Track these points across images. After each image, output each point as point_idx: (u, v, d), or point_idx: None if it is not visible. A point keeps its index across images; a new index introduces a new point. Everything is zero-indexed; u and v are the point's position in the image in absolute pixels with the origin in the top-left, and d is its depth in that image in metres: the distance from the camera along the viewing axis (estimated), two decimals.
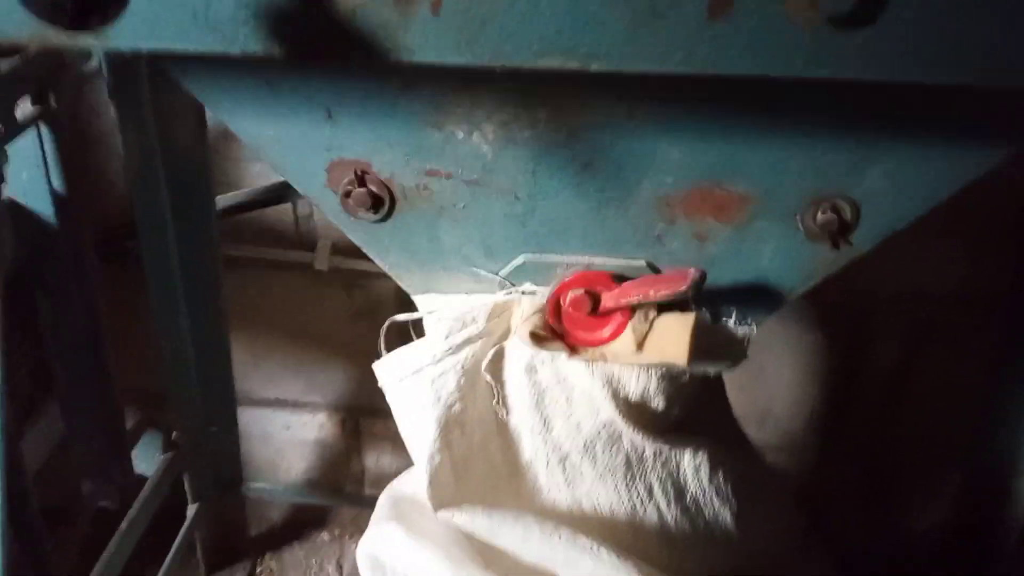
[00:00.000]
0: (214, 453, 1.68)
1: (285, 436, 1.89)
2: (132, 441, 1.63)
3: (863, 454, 1.69)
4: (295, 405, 1.85)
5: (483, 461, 0.87)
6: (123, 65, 1.11)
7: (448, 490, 0.86)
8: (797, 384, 1.65)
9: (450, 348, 0.82)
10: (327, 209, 0.81)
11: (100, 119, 1.41)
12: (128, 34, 0.61)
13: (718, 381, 0.97)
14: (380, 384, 0.85)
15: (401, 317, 0.84)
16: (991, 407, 1.40)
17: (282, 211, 1.53)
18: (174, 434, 1.62)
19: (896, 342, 1.58)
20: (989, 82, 0.56)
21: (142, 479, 1.55)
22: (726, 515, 0.94)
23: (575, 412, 0.86)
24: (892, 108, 0.69)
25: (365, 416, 1.85)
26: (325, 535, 1.87)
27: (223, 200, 1.33)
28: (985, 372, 1.41)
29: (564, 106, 0.73)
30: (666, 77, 0.59)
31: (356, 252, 0.84)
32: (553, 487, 0.89)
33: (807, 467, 1.73)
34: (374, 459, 1.90)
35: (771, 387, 1.66)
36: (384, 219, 0.81)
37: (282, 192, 1.39)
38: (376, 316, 1.66)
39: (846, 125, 0.70)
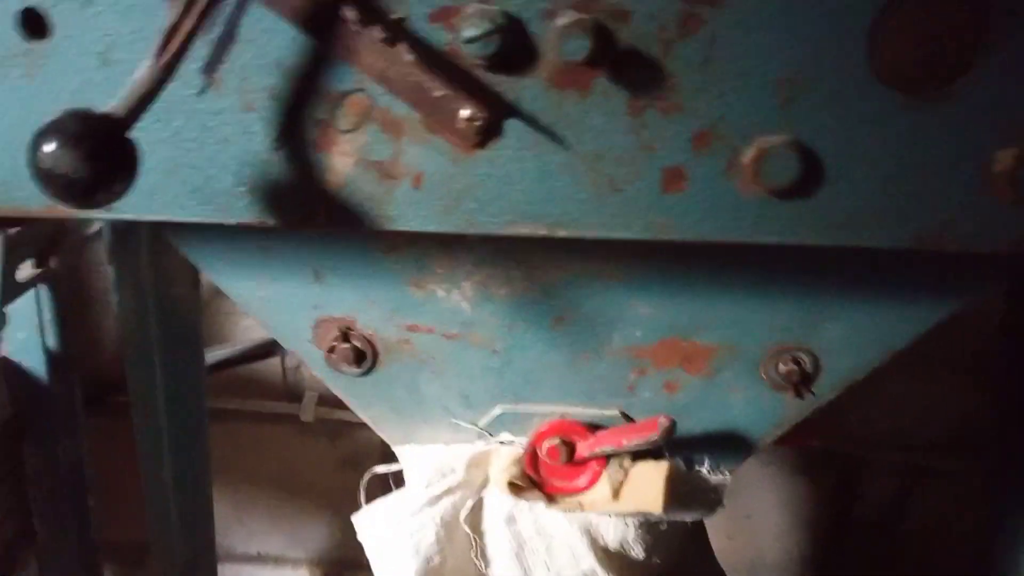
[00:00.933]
0: None
1: None
2: None
3: None
4: (277, 561, 1.81)
5: None
6: (123, 229, 1.17)
7: None
8: (786, 531, 1.64)
9: (429, 500, 0.83)
10: (312, 364, 0.84)
11: (97, 277, 1.47)
12: (132, 207, 0.67)
13: (699, 529, 0.97)
14: (359, 537, 0.86)
15: (381, 468, 0.86)
16: (985, 548, 1.39)
17: (270, 363, 1.56)
18: None
19: (885, 487, 1.58)
20: (923, 246, 0.61)
21: None
22: None
23: (555, 562, 0.87)
24: (843, 266, 0.74)
25: (349, 570, 1.80)
26: None
27: (212, 356, 1.36)
28: (975, 514, 1.41)
29: (537, 266, 0.78)
30: (627, 242, 0.65)
31: (342, 403, 0.87)
32: None
33: None
34: None
35: (759, 535, 1.64)
36: (367, 373, 0.84)
37: (270, 347, 1.42)
38: (361, 466, 1.65)
39: (801, 282, 0.75)
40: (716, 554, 1.03)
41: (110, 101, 0.57)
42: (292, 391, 1.58)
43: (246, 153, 0.65)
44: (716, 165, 0.61)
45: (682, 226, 0.63)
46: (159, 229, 0.81)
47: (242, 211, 0.67)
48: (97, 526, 1.43)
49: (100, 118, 0.56)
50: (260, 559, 1.81)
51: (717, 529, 0.98)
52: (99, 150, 0.55)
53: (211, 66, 0.62)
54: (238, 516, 1.77)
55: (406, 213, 0.66)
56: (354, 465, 1.66)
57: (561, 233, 0.65)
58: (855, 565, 1.64)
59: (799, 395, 0.80)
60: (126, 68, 0.62)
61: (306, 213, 0.66)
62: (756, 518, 1.64)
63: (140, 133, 0.64)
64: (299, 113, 0.63)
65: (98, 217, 0.69)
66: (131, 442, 1.38)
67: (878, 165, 0.60)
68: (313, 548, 1.78)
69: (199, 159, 0.66)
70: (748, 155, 0.60)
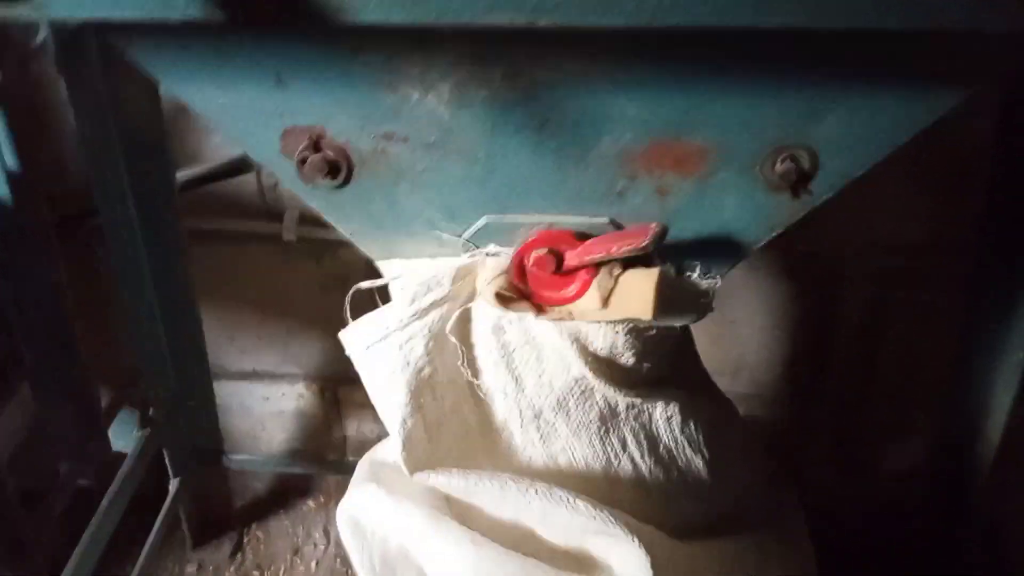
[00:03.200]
0: (192, 427, 1.67)
1: (264, 408, 1.89)
2: (107, 419, 1.62)
3: (836, 402, 1.72)
4: (272, 377, 1.85)
5: (456, 423, 0.88)
6: (70, 38, 1.08)
7: (422, 453, 0.86)
8: (769, 335, 1.67)
9: (416, 312, 0.81)
10: (284, 177, 0.80)
11: (51, 96, 1.38)
12: (63, 4, 0.60)
13: (687, 334, 0.97)
14: (347, 353, 0.85)
15: (365, 284, 0.84)
16: (961, 351, 1.42)
17: (247, 182, 1.51)
18: (150, 410, 1.61)
19: (867, 291, 1.59)
20: (940, 26, 0.56)
21: (120, 456, 1.55)
22: (698, 463, 0.95)
23: (546, 369, 0.87)
24: (845, 56, 0.68)
25: (344, 385, 1.84)
26: (310, 503, 1.88)
27: (183, 174, 1.31)
28: (955, 318, 1.43)
29: (519, 64, 0.72)
30: (619, 32, 0.59)
31: (324, 221, 0.84)
32: (528, 445, 0.90)
33: (780, 416, 1.76)
34: (355, 427, 1.91)
35: (743, 339, 1.67)
36: (342, 185, 0.80)
37: (244, 163, 1.37)
38: (347, 284, 1.64)
39: (800, 74, 0.70)
40: (701, 356, 1.04)
41: None
42: (272, 209, 1.54)
43: None
44: None
45: (677, 9, 0.57)
46: (107, 34, 0.74)
47: (186, 5, 0.60)
48: (87, 350, 1.44)
49: None
50: (256, 375, 1.85)
51: (702, 333, 0.99)
52: None
53: None
54: (230, 335, 1.78)
55: (368, 3, 0.59)
56: (341, 284, 1.64)
57: (543, 21, 0.59)
58: (836, 367, 1.68)
59: (796, 195, 0.76)
60: None
61: (257, 8, 0.60)
62: (740, 322, 1.66)
63: None
64: None
65: (27, 16, 0.61)
66: (109, 267, 1.36)
67: None
68: (306, 364, 1.81)
69: None
70: None
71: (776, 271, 1.60)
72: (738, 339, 1.68)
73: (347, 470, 1.08)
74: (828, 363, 1.68)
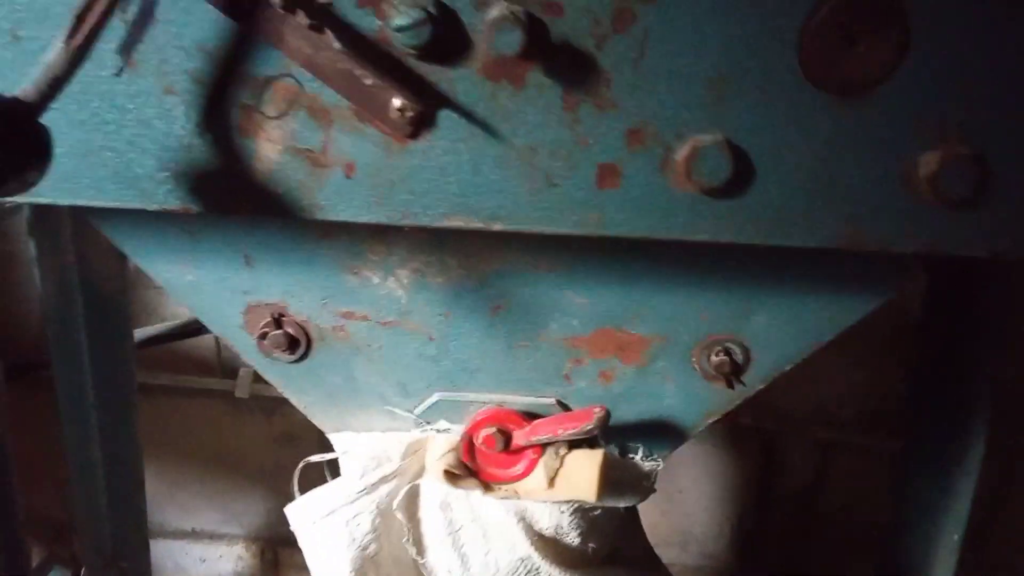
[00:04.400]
0: None
1: (200, 569, 1.82)
2: None
3: (781, 570, 1.71)
4: (211, 536, 1.79)
5: None
6: (44, 207, 1.12)
7: None
8: (715, 505, 1.68)
9: (365, 488, 0.82)
10: (243, 350, 0.82)
11: (18, 249, 1.41)
12: (48, 191, 0.64)
13: (632, 510, 0.99)
14: (292, 527, 0.85)
15: (316, 458, 0.85)
16: (897, 522, 1.44)
17: (203, 339, 1.52)
18: (82, 571, 1.54)
19: (807, 459, 1.63)
20: (847, 247, 0.62)
21: None
22: None
23: (492, 548, 0.87)
24: (773, 261, 0.75)
25: (284, 546, 1.79)
26: None
27: (141, 333, 1.32)
28: (890, 485, 1.46)
29: (474, 255, 0.77)
30: (562, 236, 0.64)
31: None
32: None
33: None
34: None
35: (690, 509, 1.68)
36: (300, 359, 0.83)
37: (201, 324, 1.39)
38: (297, 443, 1.65)
39: (732, 276, 0.76)
40: (650, 527, 1.05)
41: (20, 83, 0.54)
42: (226, 367, 1.55)
43: (167, 137, 0.62)
44: (650, 162, 0.61)
45: (616, 222, 0.63)
46: (81, 211, 0.78)
47: (164, 197, 0.64)
48: (22, 503, 1.39)
49: (10, 102, 0.53)
50: (194, 535, 1.79)
51: (651, 503, 1.00)
52: (9, 136, 0.53)
53: (127, 47, 0.59)
54: (171, 492, 1.74)
55: (337, 203, 0.64)
56: (290, 442, 1.64)
57: (496, 227, 0.64)
58: (778, 535, 1.69)
59: (730, 385, 0.81)
60: (37, 46, 0.59)
61: (232, 200, 0.64)
62: (687, 492, 1.68)
63: (55, 115, 0.61)
64: (222, 97, 0.61)
65: (14, 201, 0.65)
66: (56, 417, 1.34)
67: (806, 166, 0.60)
68: (248, 524, 1.76)
69: (118, 142, 0.63)
70: (681, 153, 0.60)
71: (719, 441, 1.64)
72: (685, 509, 1.69)
73: None
74: (771, 533, 1.69)
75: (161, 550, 1.79)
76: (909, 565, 1.38)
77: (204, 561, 1.81)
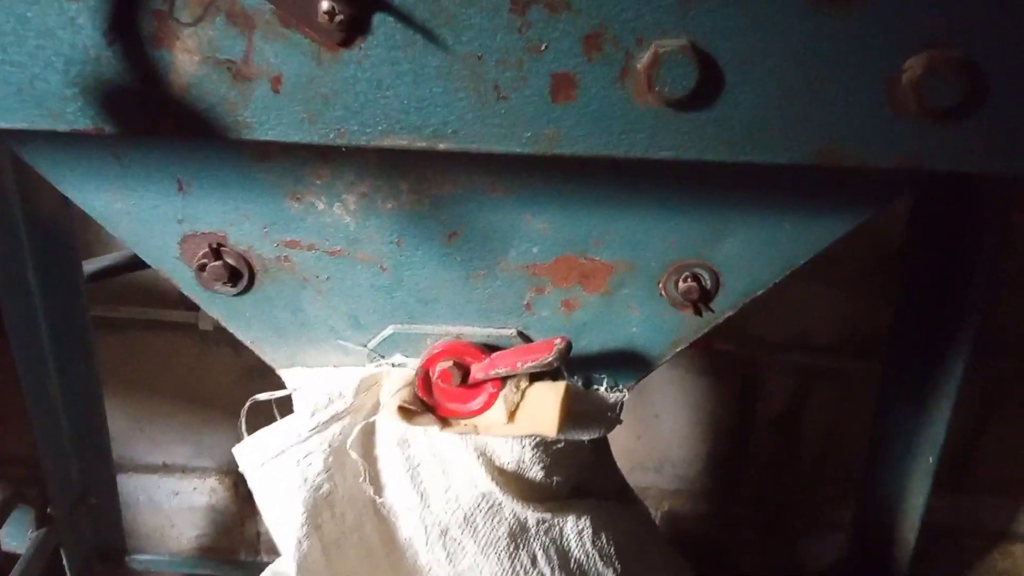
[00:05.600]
0: (94, 526, 1.58)
1: (174, 503, 1.80)
2: (2, 517, 1.52)
3: (758, 496, 1.72)
4: (183, 470, 1.77)
5: (358, 543, 0.84)
6: None
7: (319, 575, 0.82)
8: (692, 430, 1.67)
9: (316, 426, 0.79)
10: (182, 283, 0.78)
11: None
12: None
13: (601, 442, 0.96)
14: (240, 469, 0.81)
15: (263, 396, 0.81)
16: (875, 452, 1.44)
17: None
18: (48, 508, 1.52)
19: (786, 386, 1.62)
20: (823, 162, 0.57)
21: (13, 557, 1.45)
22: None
23: (453, 485, 0.84)
24: (744, 180, 0.70)
25: None
26: None
27: (92, 264, 1.26)
28: (870, 412, 1.45)
29: (426, 178, 0.72)
30: (513, 156, 0.59)
31: None
32: (434, 564, 0.86)
33: (705, 511, 1.75)
34: None
35: (667, 434, 1.67)
36: (243, 292, 0.78)
37: None
38: (267, 374, 1.61)
39: (701, 197, 0.71)
40: (625, 452, 1.03)
41: None
42: (188, 297, 1.50)
43: (73, 49, 0.56)
44: (608, 71, 0.55)
45: (572, 139, 0.58)
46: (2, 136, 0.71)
47: (74, 116, 0.58)
48: None
49: None
50: (166, 469, 1.77)
51: (626, 428, 0.98)
52: None
53: None
54: (140, 427, 1.71)
55: (265, 120, 0.59)
56: (260, 374, 1.60)
57: (441, 146, 0.59)
58: (757, 460, 1.69)
59: (698, 312, 0.77)
60: None
61: (149, 119, 0.58)
62: (663, 418, 1.66)
63: None
64: (131, 2, 0.54)
65: None
66: (11, 357, 1.30)
67: (780, 74, 0.55)
68: (220, 457, 1.74)
69: (19, 55, 0.57)
70: (643, 60, 0.54)
71: (697, 367, 1.62)
72: (662, 434, 1.68)
73: (260, 570, 1.01)
74: (749, 457, 1.69)
75: (133, 485, 1.77)
76: (887, 487, 1.38)
77: (177, 494, 1.80)
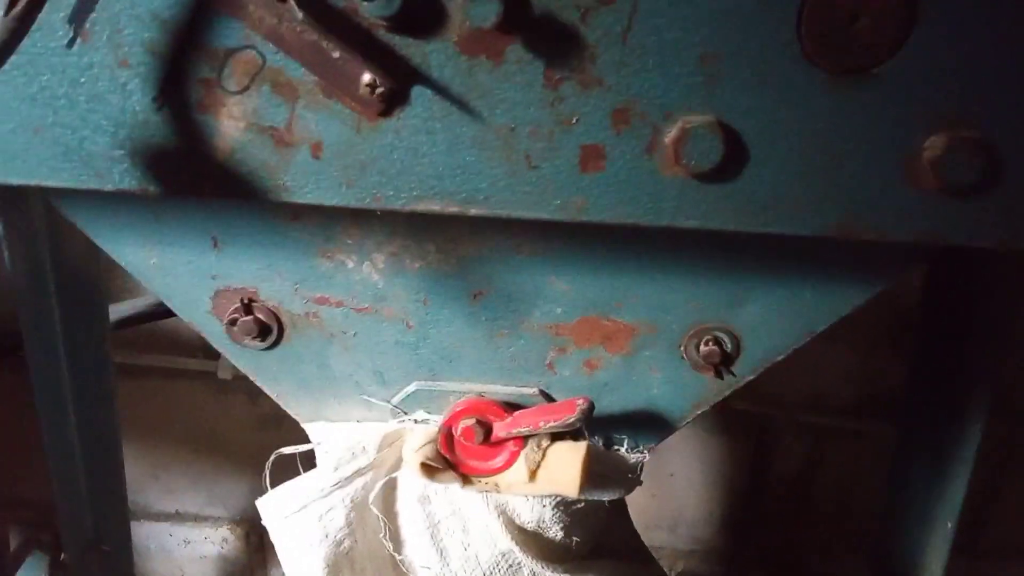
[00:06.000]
0: (106, 573, 1.57)
1: (185, 551, 1.80)
2: (15, 563, 1.52)
3: (771, 558, 1.70)
4: (196, 518, 1.77)
5: None
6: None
7: None
8: (706, 489, 1.66)
9: (339, 481, 0.79)
10: (212, 336, 0.79)
11: None
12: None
13: (619, 502, 0.96)
14: (264, 523, 0.82)
15: (288, 449, 0.82)
16: (890, 509, 1.42)
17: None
18: (62, 555, 1.52)
19: (800, 445, 1.61)
20: (843, 235, 0.59)
21: None
22: None
23: (472, 543, 0.84)
24: (765, 247, 0.71)
25: None
26: None
27: (116, 311, 1.29)
28: (884, 473, 1.44)
29: (453, 239, 0.73)
30: (542, 222, 0.61)
31: None
32: None
33: (718, 572, 1.72)
34: (279, 574, 1.81)
35: (681, 493, 1.66)
36: (272, 347, 0.79)
37: None
38: (282, 424, 1.62)
39: (723, 263, 0.72)
40: (639, 511, 1.02)
41: None
42: (208, 347, 1.51)
43: (122, 113, 0.58)
44: (637, 144, 0.57)
45: (600, 207, 0.59)
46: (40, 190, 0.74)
47: (121, 176, 0.60)
48: (1, 485, 1.36)
49: None
50: (179, 517, 1.77)
51: (641, 488, 0.98)
52: None
53: (78, 16, 0.55)
54: (155, 474, 1.71)
55: (304, 184, 0.61)
56: (275, 424, 1.61)
57: (473, 211, 0.61)
58: (770, 521, 1.68)
59: (719, 376, 0.78)
60: None
61: (192, 181, 0.61)
62: (678, 477, 1.66)
63: (1, 88, 0.57)
64: (180, 70, 0.57)
65: None
66: (32, 398, 1.31)
67: (802, 149, 0.57)
68: (233, 506, 1.74)
69: (70, 118, 0.59)
70: (670, 135, 0.56)
71: (713, 426, 1.61)
72: (676, 493, 1.67)
73: None
74: (762, 518, 1.67)
75: (145, 532, 1.76)
76: (903, 552, 1.36)
77: (188, 543, 1.79)
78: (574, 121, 0.57)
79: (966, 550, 1.58)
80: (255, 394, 1.61)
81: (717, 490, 1.65)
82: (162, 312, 1.35)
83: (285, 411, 1.60)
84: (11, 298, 1.41)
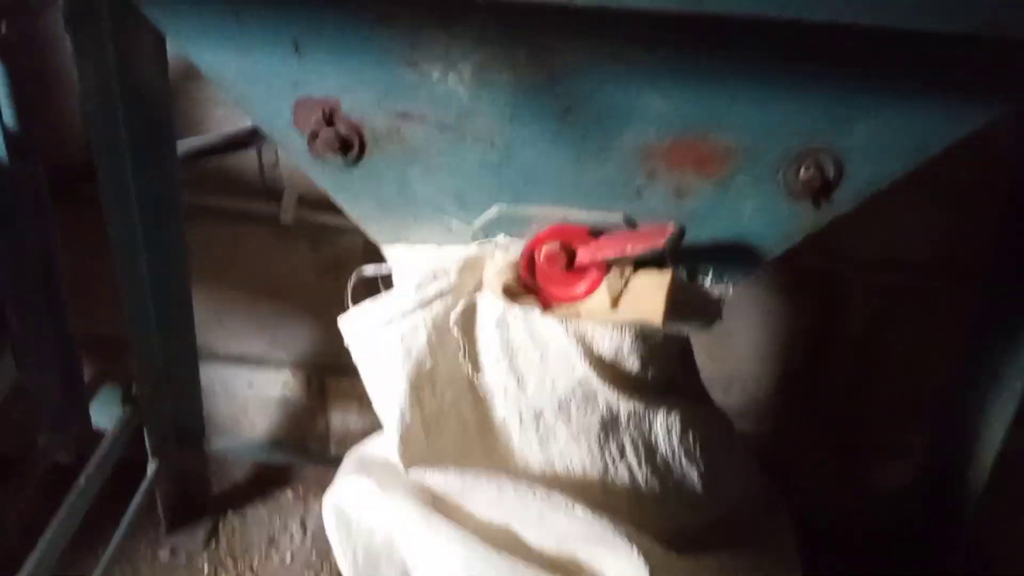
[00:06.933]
0: (175, 408, 1.64)
1: (249, 393, 1.85)
2: (90, 394, 1.58)
3: (830, 419, 1.70)
4: (259, 362, 1.81)
5: (454, 420, 0.85)
6: None
7: (419, 448, 0.83)
8: (765, 349, 1.65)
9: (420, 302, 0.79)
10: (292, 150, 0.77)
11: (56, 54, 1.34)
12: None
13: (687, 343, 0.95)
14: (346, 339, 0.82)
15: (369, 269, 0.81)
16: (960, 374, 1.41)
17: (247, 159, 1.47)
18: (134, 387, 1.58)
19: (869, 308, 1.57)
20: (996, 32, 0.54)
21: (100, 433, 1.51)
22: (693, 475, 0.93)
23: (549, 369, 0.84)
24: (881, 61, 0.66)
25: (331, 374, 1.81)
26: (289, 494, 1.84)
27: (184, 144, 1.27)
28: (958, 339, 1.41)
29: (545, 46, 0.69)
30: (654, 18, 0.56)
31: (323, 205, 0.81)
32: (525, 447, 0.87)
33: (774, 431, 1.74)
34: (340, 418, 1.87)
35: (739, 352, 1.65)
36: (353, 164, 0.77)
37: (246, 138, 1.34)
38: (343, 271, 1.61)
39: (831, 79, 0.68)
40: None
41: None
42: (270, 190, 1.51)
43: None
44: None
45: None
46: None
47: None
48: (74, 319, 1.40)
49: None
50: (242, 359, 1.81)
51: (698, 345, 0.96)
52: None
53: None
54: (218, 317, 1.74)
55: None
56: (336, 270, 1.62)
57: (582, 1, 0.56)
58: (832, 383, 1.67)
59: (817, 204, 0.74)
60: None
61: None
62: (736, 335, 1.64)
63: None
64: None
65: None
66: (106, 234, 1.33)
67: None
68: (295, 351, 1.78)
69: None
70: None
71: (777, 284, 1.58)
72: (734, 353, 1.66)
73: (328, 462, 1.04)
74: (824, 380, 1.66)
75: (209, 373, 1.81)
76: (967, 414, 1.35)
77: (252, 386, 1.84)
78: None
79: None
80: (317, 240, 1.61)
81: (777, 349, 1.64)
82: (228, 145, 1.34)
83: (345, 258, 1.60)
84: (71, 132, 1.41)
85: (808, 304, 1.58)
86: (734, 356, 1.67)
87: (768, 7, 0.54)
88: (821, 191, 0.73)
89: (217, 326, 1.76)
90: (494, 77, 0.71)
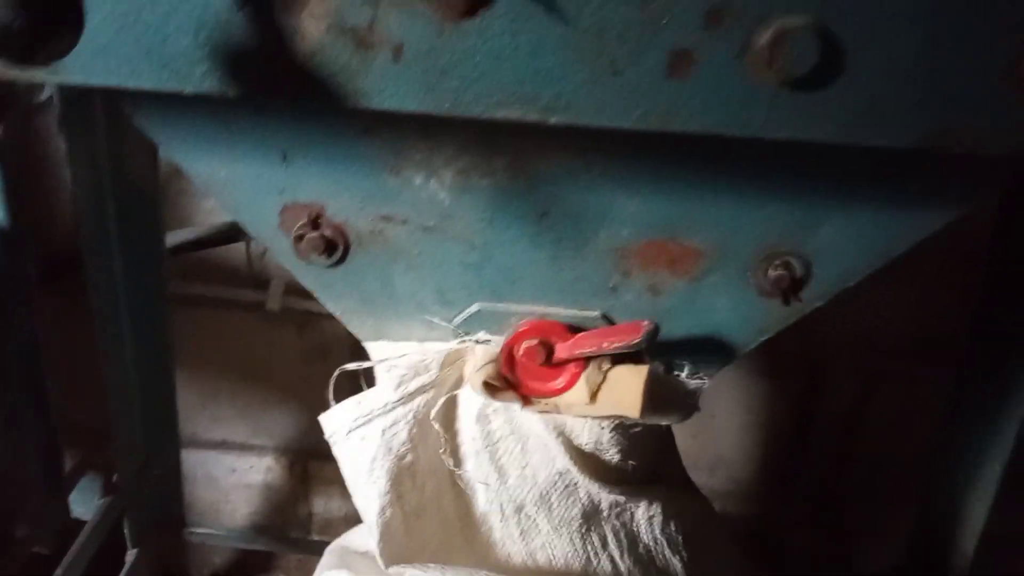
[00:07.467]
0: (156, 496, 1.62)
1: (231, 479, 1.84)
2: (71, 483, 1.56)
3: (814, 500, 1.70)
4: (242, 447, 1.80)
5: (435, 514, 0.85)
6: (76, 97, 1.09)
7: (399, 545, 0.83)
8: (748, 432, 1.66)
9: (402, 397, 0.80)
10: (278, 252, 0.79)
11: (50, 147, 1.38)
12: (79, 69, 0.60)
13: (668, 431, 0.96)
14: (326, 437, 0.83)
15: (352, 366, 0.83)
16: (941, 452, 1.41)
17: (234, 248, 1.50)
18: (115, 476, 1.56)
19: (848, 388, 1.60)
20: (944, 146, 0.57)
21: (79, 524, 1.49)
22: (676, 564, 0.93)
23: (530, 462, 0.85)
24: (845, 166, 0.70)
25: (313, 459, 1.80)
26: None
27: (173, 237, 1.30)
28: (936, 418, 1.43)
29: (523, 155, 0.73)
30: (624, 131, 0.60)
31: (309, 292, 0.83)
32: (507, 540, 0.87)
33: (757, 513, 1.73)
34: (322, 504, 1.86)
35: (721, 434, 1.66)
36: (337, 264, 0.79)
37: (234, 231, 1.36)
38: (328, 357, 1.64)
39: (799, 183, 0.71)
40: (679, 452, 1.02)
41: None
42: (257, 278, 1.53)
43: (205, 11, 0.58)
44: (728, 48, 0.55)
45: (686, 116, 0.58)
46: (113, 98, 0.74)
47: (200, 79, 0.60)
48: (57, 408, 1.40)
49: None
50: (225, 445, 1.80)
51: (681, 428, 0.98)
52: None
53: None
54: (202, 403, 1.74)
55: (383, 89, 0.60)
56: (321, 356, 1.63)
57: (554, 119, 0.60)
58: (813, 464, 1.67)
59: (786, 302, 0.77)
60: None
61: (271, 84, 0.60)
62: (719, 418, 1.65)
63: None
64: None
65: (43, 80, 0.62)
66: (91, 323, 1.34)
67: (900, 55, 0.55)
68: (278, 436, 1.77)
69: (153, 16, 0.59)
70: (764, 38, 0.54)
71: (757, 368, 1.61)
72: (716, 435, 1.67)
73: (310, 549, 1.03)
74: (807, 460, 1.67)
75: (192, 460, 1.80)
76: (949, 494, 1.35)
77: (234, 471, 1.83)
78: (664, 22, 0.55)
79: (1014, 499, 1.56)
80: (302, 325, 1.63)
81: (760, 432, 1.65)
82: (216, 239, 1.36)
83: (330, 344, 1.62)
84: (66, 224, 1.43)
85: (789, 386, 1.60)
86: (716, 439, 1.68)
87: (730, 127, 0.57)
88: (790, 289, 0.76)
89: (201, 412, 1.76)
90: (474, 183, 0.74)
